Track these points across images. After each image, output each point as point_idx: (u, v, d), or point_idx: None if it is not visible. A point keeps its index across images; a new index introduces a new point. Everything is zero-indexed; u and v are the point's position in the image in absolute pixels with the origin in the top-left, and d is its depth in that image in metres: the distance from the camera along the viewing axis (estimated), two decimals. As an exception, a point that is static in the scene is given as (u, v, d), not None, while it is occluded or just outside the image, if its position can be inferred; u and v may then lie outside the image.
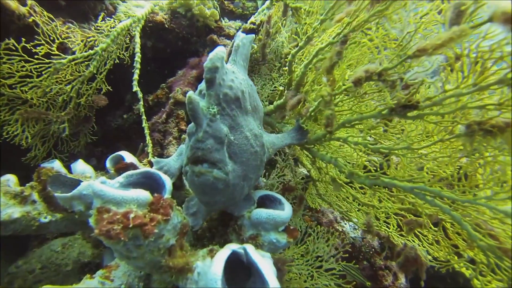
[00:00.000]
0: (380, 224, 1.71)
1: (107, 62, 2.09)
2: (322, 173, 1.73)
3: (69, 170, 2.06)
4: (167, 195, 1.24)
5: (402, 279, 2.74)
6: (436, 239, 1.36)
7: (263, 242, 1.33)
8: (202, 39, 2.52)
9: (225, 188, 1.18)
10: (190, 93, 1.04)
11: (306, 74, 1.52)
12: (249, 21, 2.17)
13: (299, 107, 1.52)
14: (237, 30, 2.64)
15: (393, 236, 1.72)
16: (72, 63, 1.93)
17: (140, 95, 2.10)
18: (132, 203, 1.03)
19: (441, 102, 1.04)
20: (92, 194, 1.09)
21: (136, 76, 2.09)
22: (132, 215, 0.97)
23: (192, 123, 1.16)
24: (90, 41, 1.98)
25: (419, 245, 1.60)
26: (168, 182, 1.27)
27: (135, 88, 2.08)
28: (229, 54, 2.26)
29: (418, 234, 1.49)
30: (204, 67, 1.08)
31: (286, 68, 1.72)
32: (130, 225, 0.95)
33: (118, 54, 2.13)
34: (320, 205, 2.05)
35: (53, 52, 1.86)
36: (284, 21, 2.09)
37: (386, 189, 1.34)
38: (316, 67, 1.52)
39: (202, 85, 1.21)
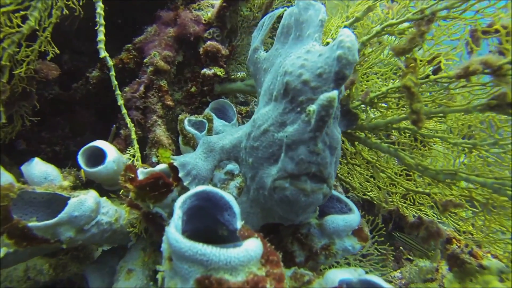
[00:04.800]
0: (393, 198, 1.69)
1: (53, 12, 1.34)
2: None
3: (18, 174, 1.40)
4: (239, 222, 0.90)
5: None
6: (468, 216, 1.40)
7: (336, 251, 1.13)
8: (171, -16, 1.86)
9: (323, 203, 0.93)
10: (335, 93, 0.69)
11: (361, 52, 1.23)
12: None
13: (353, 89, 1.25)
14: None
15: (405, 210, 1.73)
16: None
17: (110, 62, 1.46)
18: (251, 263, 0.67)
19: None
20: (173, 254, 0.68)
21: (102, 36, 1.42)
22: (268, 286, 0.63)
23: (297, 125, 0.82)
24: (25, -22, 1.21)
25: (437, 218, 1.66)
26: (235, 204, 0.92)
27: (103, 53, 1.42)
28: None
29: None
30: (341, 57, 0.73)
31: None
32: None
33: (66, 1, 1.39)
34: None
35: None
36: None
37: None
38: (370, 43, 1.24)
39: (304, 77, 0.83)
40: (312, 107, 0.81)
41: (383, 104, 1.23)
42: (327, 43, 1.31)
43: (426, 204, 1.53)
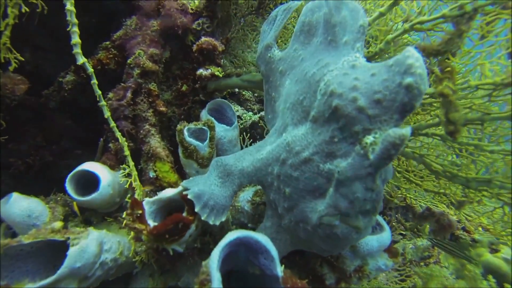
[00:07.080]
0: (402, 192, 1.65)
1: (8, 11, 1.05)
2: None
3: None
4: (280, 268, 0.79)
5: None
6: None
7: (370, 271, 1.05)
8: (148, -35, 1.55)
9: None
10: (409, 130, 0.60)
11: (387, 52, 1.08)
12: None
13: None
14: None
15: (412, 201, 1.70)
16: None
17: (90, 69, 1.20)
18: None
19: None
20: None
21: (77, 39, 1.14)
22: None
23: (352, 160, 0.70)
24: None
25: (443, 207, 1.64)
26: (272, 247, 0.82)
27: (81, 59, 1.16)
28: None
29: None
30: (411, 87, 0.61)
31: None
32: None
33: (24, -5, 1.09)
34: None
35: None
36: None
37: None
38: (394, 42, 1.09)
39: (360, 103, 0.67)
40: (370, 139, 0.67)
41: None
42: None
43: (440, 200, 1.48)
